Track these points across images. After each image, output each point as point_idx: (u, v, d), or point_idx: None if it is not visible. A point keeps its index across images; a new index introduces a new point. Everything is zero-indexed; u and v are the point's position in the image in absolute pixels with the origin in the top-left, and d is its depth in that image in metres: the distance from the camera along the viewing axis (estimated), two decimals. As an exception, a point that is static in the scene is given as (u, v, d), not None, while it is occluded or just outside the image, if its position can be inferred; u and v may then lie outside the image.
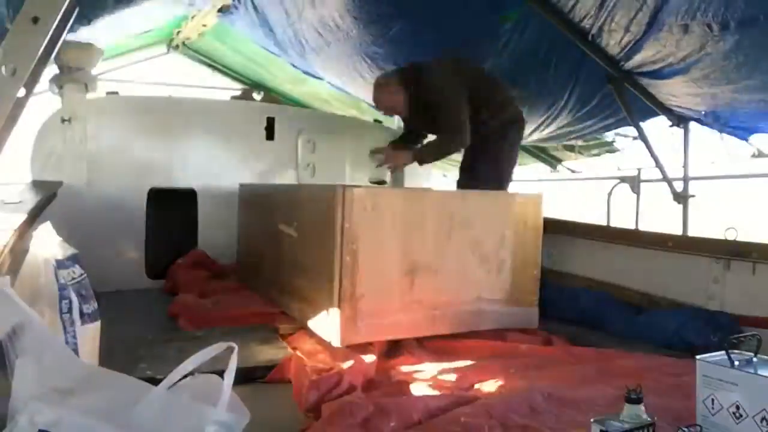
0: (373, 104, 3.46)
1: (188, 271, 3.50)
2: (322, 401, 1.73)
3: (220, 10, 4.47)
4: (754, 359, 1.20)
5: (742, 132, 3.51)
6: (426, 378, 2.01)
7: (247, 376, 1.91)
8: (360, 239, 2.23)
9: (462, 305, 2.48)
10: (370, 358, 2.08)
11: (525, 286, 2.62)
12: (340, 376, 1.84)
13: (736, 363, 1.19)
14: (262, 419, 1.58)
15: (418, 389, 1.89)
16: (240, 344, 2.20)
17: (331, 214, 2.22)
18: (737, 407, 1.15)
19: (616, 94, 3.51)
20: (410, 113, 3.28)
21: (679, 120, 3.66)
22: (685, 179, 3.90)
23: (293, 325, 2.56)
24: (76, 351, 1.63)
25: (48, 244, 1.70)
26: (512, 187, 3.41)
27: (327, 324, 2.28)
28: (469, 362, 2.17)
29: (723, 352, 1.21)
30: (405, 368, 2.12)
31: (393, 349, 2.33)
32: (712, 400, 1.19)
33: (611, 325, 2.73)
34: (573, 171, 6.02)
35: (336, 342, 2.21)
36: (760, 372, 1.15)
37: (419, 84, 3.12)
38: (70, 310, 1.66)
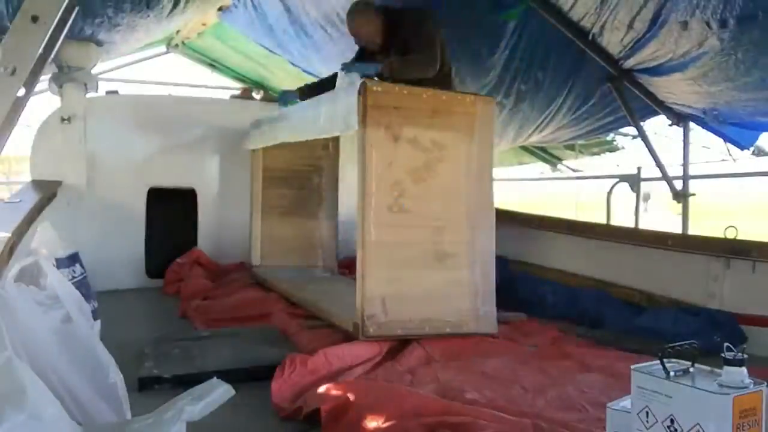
0: (349, 30, 3.18)
1: (193, 269, 3.48)
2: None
3: (219, 9, 4.46)
4: (691, 369, 1.11)
5: (740, 130, 3.50)
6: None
7: (252, 376, 1.92)
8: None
9: None
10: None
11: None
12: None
13: (672, 373, 1.09)
14: (265, 418, 1.58)
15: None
16: (246, 345, 2.25)
17: None
18: (672, 420, 1.06)
19: (615, 92, 3.50)
20: (382, 44, 3.04)
21: (679, 119, 3.66)
22: (685, 178, 3.89)
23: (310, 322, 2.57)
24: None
25: (48, 244, 1.70)
26: (513, 187, 3.40)
27: None
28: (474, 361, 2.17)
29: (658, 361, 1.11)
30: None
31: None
32: (647, 412, 1.10)
33: (611, 324, 2.73)
34: (574, 170, 6.01)
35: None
36: (696, 383, 1.06)
37: (403, 15, 3.00)
38: (70, 309, 1.66)
